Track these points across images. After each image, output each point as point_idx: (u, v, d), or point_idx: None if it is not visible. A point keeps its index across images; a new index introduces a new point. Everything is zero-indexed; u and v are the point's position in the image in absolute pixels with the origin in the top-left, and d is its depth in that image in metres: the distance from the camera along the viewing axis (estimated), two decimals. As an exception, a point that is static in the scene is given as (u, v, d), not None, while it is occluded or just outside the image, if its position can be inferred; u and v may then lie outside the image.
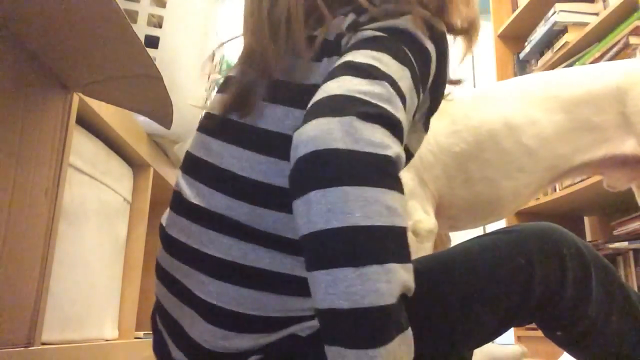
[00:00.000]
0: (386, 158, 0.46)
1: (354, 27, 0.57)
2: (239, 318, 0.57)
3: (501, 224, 2.52)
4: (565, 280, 0.68)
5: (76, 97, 0.98)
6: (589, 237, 2.33)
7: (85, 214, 1.12)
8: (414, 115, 0.58)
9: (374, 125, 0.46)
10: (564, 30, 2.30)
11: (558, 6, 2.29)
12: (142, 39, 1.29)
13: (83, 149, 1.10)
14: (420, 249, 1.20)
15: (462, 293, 0.66)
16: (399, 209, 0.47)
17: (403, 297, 0.47)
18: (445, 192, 1.24)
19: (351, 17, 0.59)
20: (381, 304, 0.44)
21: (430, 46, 0.57)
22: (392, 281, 0.45)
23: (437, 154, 1.24)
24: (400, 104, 0.49)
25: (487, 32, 3.12)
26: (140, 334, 1.47)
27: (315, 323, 0.56)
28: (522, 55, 2.63)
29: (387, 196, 0.46)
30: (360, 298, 0.44)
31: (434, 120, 1.27)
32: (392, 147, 0.47)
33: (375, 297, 0.44)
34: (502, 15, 2.80)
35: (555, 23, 2.29)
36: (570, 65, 2.21)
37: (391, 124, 0.48)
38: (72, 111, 0.97)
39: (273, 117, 0.58)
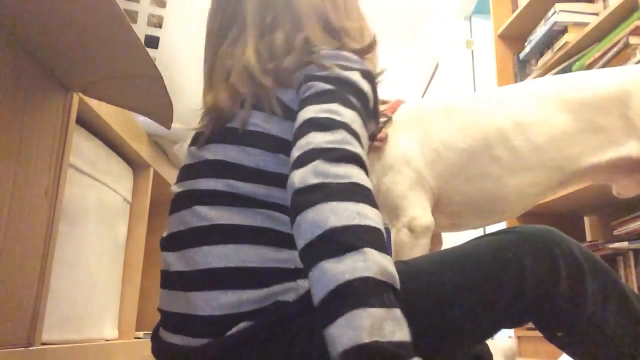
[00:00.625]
0: (351, 183, 0.57)
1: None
2: (221, 273, 0.64)
3: (502, 226, 2.52)
4: (557, 277, 0.69)
5: (76, 97, 0.98)
6: (589, 237, 2.33)
7: (85, 214, 1.12)
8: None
9: (338, 163, 0.58)
10: (564, 30, 2.30)
11: (558, 6, 2.28)
12: (142, 39, 1.30)
13: (83, 149, 1.10)
14: (416, 245, 1.20)
15: (454, 288, 0.67)
16: (370, 215, 0.56)
17: (387, 285, 0.53)
18: (447, 189, 1.24)
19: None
20: (357, 276, 0.51)
21: (366, 87, 0.70)
22: (368, 259, 0.52)
23: (441, 151, 1.24)
24: (357, 142, 0.62)
25: (487, 32, 3.12)
26: (140, 334, 1.47)
27: (297, 284, 0.64)
28: (522, 55, 2.63)
29: (357, 207, 0.56)
30: (341, 275, 0.51)
31: (440, 121, 1.29)
32: (357, 176, 0.58)
33: (353, 272, 0.51)
34: (502, 15, 2.79)
35: (555, 23, 2.29)
36: (570, 65, 2.21)
37: (353, 159, 0.60)
38: (72, 111, 0.97)
39: (239, 117, 0.72)
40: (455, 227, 1.33)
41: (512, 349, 1.83)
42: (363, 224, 0.54)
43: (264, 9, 0.79)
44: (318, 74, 0.70)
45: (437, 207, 1.27)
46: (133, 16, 1.31)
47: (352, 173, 0.58)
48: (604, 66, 2.00)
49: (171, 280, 0.69)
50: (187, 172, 0.74)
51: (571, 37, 2.25)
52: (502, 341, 2.01)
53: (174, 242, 0.70)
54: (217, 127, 0.74)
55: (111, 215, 1.26)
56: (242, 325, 0.63)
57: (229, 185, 0.68)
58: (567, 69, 2.22)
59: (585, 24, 2.18)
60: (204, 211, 0.68)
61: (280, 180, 0.66)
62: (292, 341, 0.63)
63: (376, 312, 0.50)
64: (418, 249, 1.21)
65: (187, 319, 0.66)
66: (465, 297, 0.67)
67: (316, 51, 0.72)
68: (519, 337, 2.27)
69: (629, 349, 0.72)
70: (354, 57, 0.73)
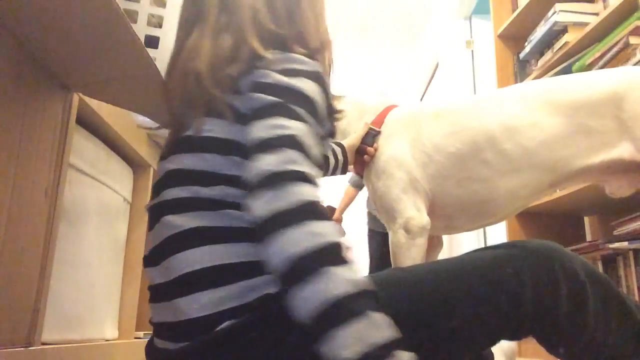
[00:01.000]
0: (298, 203, 0.61)
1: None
2: (197, 276, 0.66)
3: (501, 227, 2.52)
4: (557, 295, 0.69)
5: (76, 97, 0.98)
6: (589, 237, 2.32)
7: (85, 214, 1.12)
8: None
9: (284, 187, 0.61)
10: (564, 30, 2.30)
11: (558, 6, 2.28)
12: (142, 39, 1.29)
13: (83, 149, 1.10)
14: (413, 245, 1.22)
15: (450, 297, 0.68)
16: (319, 230, 0.60)
17: (356, 294, 0.57)
18: (439, 191, 1.26)
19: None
20: (327, 297, 0.56)
21: (313, 90, 0.71)
22: (332, 280, 0.57)
23: (431, 154, 1.26)
24: (301, 155, 0.65)
25: (487, 32, 3.12)
26: (140, 334, 1.47)
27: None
28: (522, 55, 2.63)
29: (307, 227, 0.60)
30: (312, 302, 0.57)
31: (431, 124, 1.31)
32: (302, 193, 0.62)
33: (319, 296, 0.57)
34: (502, 15, 2.79)
35: (555, 23, 2.29)
36: (570, 65, 2.21)
37: (297, 177, 0.63)
38: (72, 111, 0.97)
39: (193, 125, 0.73)
40: (449, 229, 1.34)
41: (512, 349, 1.84)
42: (317, 243, 0.59)
43: (221, 7, 0.78)
44: (263, 81, 0.70)
45: (431, 210, 1.28)
46: (133, 16, 1.30)
47: (298, 191, 0.62)
48: (604, 66, 2.00)
49: (156, 294, 0.71)
50: (156, 187, 0.75)
51: (571, 37, 2.25)
52: (502, 341, 2.01)
53: (153, 257, 0.72)
54: (175, 137, 0.75)
55: (111, 215, 1.26)
56: (229, 321, 0.64)
57: (192, 191, 0.70)
58: (567, 69, 2.22)
59: (585, 24, 2.18)
60: (172, 220, 0.69)
61: (237, 181, 0.68)
62: (285, 333, 0.63)
63: (352, 325, 0.56)
64: (415, 249, 1.22)
65: (175, 326, 0.67)
66: (461, 306, 0.67)
67: (264, 57, 0.72)
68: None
69: None
70: (303, 58, 0.73)
